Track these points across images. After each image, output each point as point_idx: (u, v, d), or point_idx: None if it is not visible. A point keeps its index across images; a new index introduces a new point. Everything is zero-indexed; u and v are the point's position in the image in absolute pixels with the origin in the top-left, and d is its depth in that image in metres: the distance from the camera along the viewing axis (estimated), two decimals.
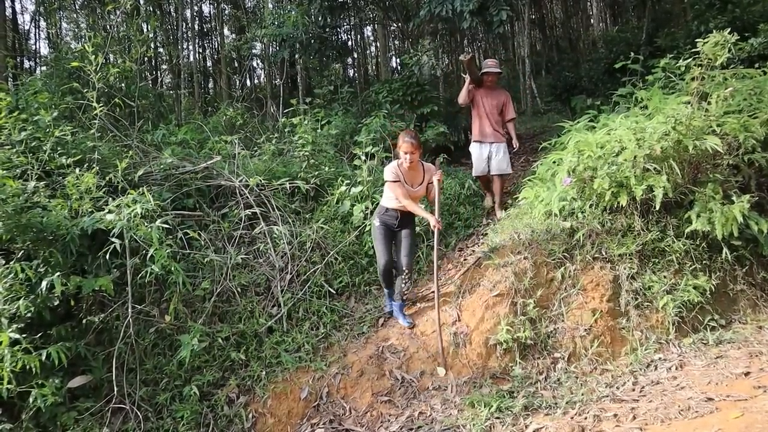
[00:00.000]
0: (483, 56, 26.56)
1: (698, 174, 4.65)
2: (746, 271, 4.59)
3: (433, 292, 4.83)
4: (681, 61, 4.95)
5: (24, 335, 3.54)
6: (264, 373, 4.22)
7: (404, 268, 4.57)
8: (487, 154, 6.38)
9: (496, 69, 6.44)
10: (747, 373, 3.61)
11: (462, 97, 6.49)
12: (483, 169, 6.43)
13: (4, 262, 3.73)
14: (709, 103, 4.65)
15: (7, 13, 16.39)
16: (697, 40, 4.71)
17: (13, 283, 3.67)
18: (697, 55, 4.69)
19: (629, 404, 3.46)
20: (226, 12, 19.02)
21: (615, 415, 3.33)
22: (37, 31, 20.75)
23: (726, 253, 4.41)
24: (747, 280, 4.60)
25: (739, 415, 3.08)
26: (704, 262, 4.51)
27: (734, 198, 4.28)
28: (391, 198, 4.63)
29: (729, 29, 4.61)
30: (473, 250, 5.45)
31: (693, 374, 3.74)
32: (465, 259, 5.32)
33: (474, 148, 6.52)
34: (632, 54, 6.12)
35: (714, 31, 4.64)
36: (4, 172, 4.17)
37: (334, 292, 5.04)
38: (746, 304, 4.53)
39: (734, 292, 4.55)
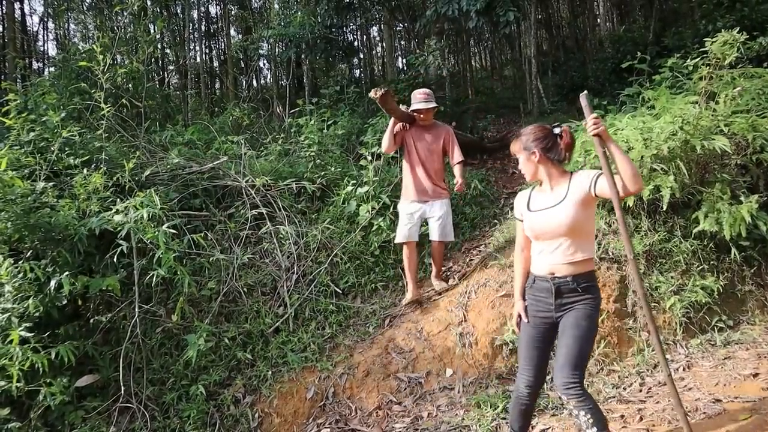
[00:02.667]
0: (489, 56, 26.49)
1: (706, 174, 4.62)
2: (755, 271, 4.56)
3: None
4: (689, 60, 4.92)
5: (32, 334, 3.57)
6: (270, 372, 4.23)
7: (561, 387, 2.50)
8: (420, 215, 4.73)
9: (429, 104, 4.72)
10: (755, 375, 3.59)
11: (385, 143, 4.74)
12: (409, 233, 4.69)
13: (13, 261, 3.76)
14: (717, 103, 4.63)
15: (16, 15, 16.50)
16: (705, 39, 4.68)
17: (22, 283, 3.70)
18: (705, 55, 4.66)
19: (636, 405, 3.45)
20: (233, 13, 19.05)
21: (622, 416, 3.32)
22: (45, 32, 20.90)
23: (734, 253, 4.38)
24: (755, 281, 4.57)
25: (748, 417, 3.06)
26: (712, 262, 4.48)
27: (742, 198, 4.25)
28: (535, 252, 2.76)
29: (737, 28, 4.58)
30: (479, 250, 5.44)
31: (700, 375, 3.72)
32: (471, 260, 5.31)
33: (402, 208, 4.80)
34: (639, 53, 6.09)
35: (722, 30, 4.61)
36: (13, 172, 4.20)
37: (341, 292, 5.04)
38: (754, 305, 4.50)
39: (742, 292, 4.52)
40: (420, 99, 4.76)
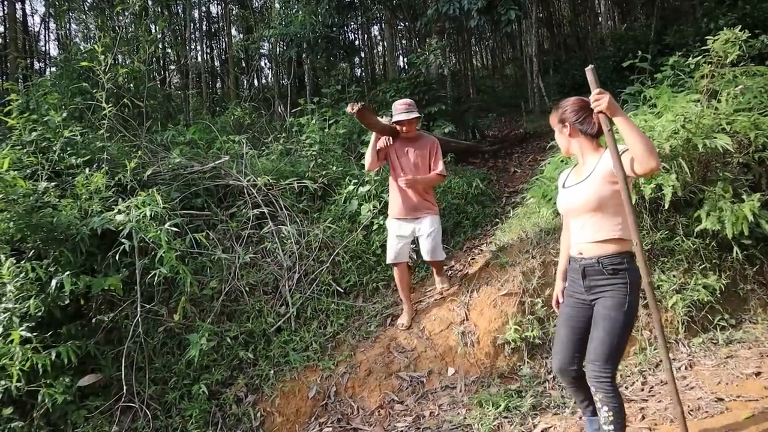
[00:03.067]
0: (490, 54, 26.47)
1: (708, 172, 4.61)
2: (757, 270, 4.55)
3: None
4: (690, 58, 4.91)
5: (34, 334, 3.57)
6: (272, 372, 4.24)
7: (591, 379, 2.49)
8: (411, 232, 4.51)
9: (410, 114, 4.39)
10: (758, 374, 3.59)
11: (368, 160, 4.51)
12: (400, 252, 4.50)
13: (15, 261, 3.77)
14: (719, 101, 4.62)
15: (17, 15, 16.52)
16: (706, 37, 4.67)
17: (24, 282, 3.71)
18: (706, 53, 4.66)
19: (638, 404, 3.44)
20: (234, 12, 19.07)
21: None
22: (47, 32, 20.94)
23: (736, 252, 4.37)
24: (757, 280, 4.56)
25: (750, 416, 3.06)
26: (714, 261, 4.47)
27: (744, 196, 4.24)
28: (571, 231, 2.72)
29: (739, 26, 4.57)
30: (481, 249, 5.44)
31: (703, 374, 3.72)
32: (473, 259, 5.31)
33: (391, 227, 4.55)
34: (641, 52, 6.08)
35: (724, 28, 4.60)
36: (16, 172, 4.21)
37: (342, 291, 5.04)
38: (757, 303, 4.49)
39: (744, 291, 4.51)
40: (401, 110, 4.43)
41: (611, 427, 2.46)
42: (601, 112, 2.37)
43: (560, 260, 2.89)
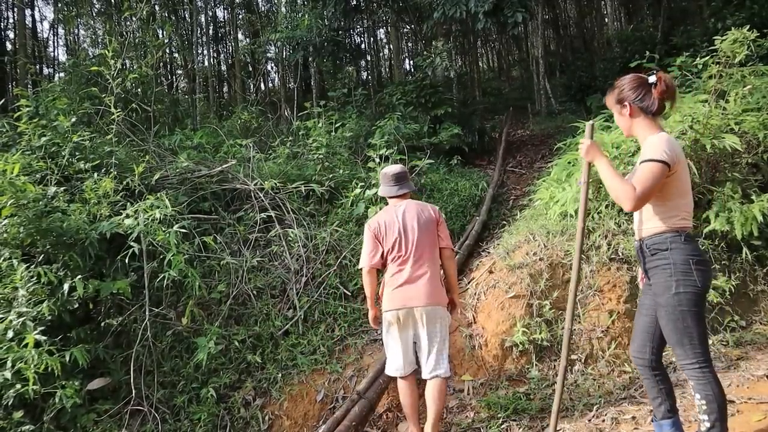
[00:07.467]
0: (496, 57, 26.45)
1: (716, 173, 4.58)
2: (767, 271, 4.52)
3: None
4: (698, 59, 4.89)
5: (45, 338, 3.59)
6: (280, 375, 4.24)
7: (679, 367, 2.65)
8: None
9: None
10: None
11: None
12: None
13: (25, 265, 3.79)
14: (727, 102, 4.59)
15: (26, 22, 16.68)
16: (714, 37, 4.65)
17: (36, 287, 3.73)
18: (714, 53, 4.63)
19: (648, 406, 3.42)
20: (241, 16, 19.17)
21: (633, 418, 3.30)
22: (55, 38, 21.12)
23: (746, 253, 4.34)
24: None
25: (762, 418, 3.04)
26: (723, 262, 4.44)
27: (754, 197, 4.22)
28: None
29: (747, 26, 4.55)
30: (488, 252, 5.43)
31: None
32: (480, 261, 5.30)
33: None
34: (648, 53, 6.05)
35: (732, 28, 4.57)
36: (25, 177, 4.24)
37: (350, 294, 5.04)
38: (767, 304, 4.45)
39: (754, 292, 4.48)
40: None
41: (705, 417, 2.32)
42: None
43: None
